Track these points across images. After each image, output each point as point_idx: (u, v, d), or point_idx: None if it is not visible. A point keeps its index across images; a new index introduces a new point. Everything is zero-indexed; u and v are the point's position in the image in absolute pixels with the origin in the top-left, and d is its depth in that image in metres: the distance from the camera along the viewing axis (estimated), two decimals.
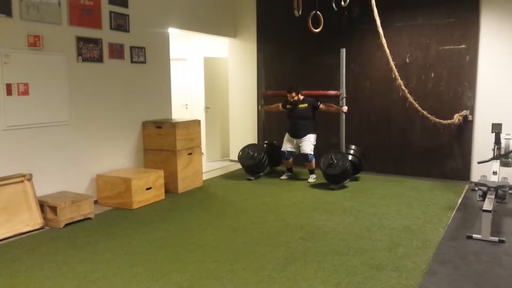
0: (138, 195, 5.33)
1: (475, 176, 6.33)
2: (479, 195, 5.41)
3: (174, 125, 5.92)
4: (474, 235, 4.13)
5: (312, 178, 6.62)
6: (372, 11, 5.49)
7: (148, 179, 5.50)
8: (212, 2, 7.54)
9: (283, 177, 6.82)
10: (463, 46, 6.33)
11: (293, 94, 6.43)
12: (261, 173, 7.03)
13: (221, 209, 5.27)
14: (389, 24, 6.57)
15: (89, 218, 4.85)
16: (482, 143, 6.28)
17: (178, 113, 8.41)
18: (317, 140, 6.61)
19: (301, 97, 6.51)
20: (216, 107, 8.63)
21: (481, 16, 6.22)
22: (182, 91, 8.94)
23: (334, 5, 5.42)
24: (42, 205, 4.65)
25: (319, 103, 6.50)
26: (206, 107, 8.54)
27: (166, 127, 5.99)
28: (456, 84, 6.45)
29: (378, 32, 5.63)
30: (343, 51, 6.30)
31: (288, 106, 6.63)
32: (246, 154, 6.87)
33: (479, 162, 5.47)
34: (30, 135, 4.73)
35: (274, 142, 7.27)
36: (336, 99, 6.49)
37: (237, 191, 6.14)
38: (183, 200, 5.66)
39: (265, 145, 7.24)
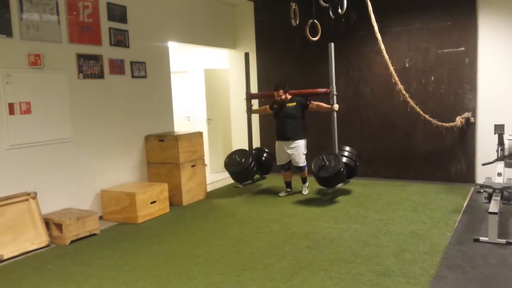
0: (142, 209, 5.33)
1: (480, 178, 6.30)
2: (484, 197, 5.39)
3: (176, 137, 5.94)
4: (481, 238, 4.10)
5: (305, 188, 6.32)
6: (369, 17, 5.53)
7: (152, 192, 5.50)
8: (210, 14, 7.60)
9: (282, 194, 6.31)
10: (462, 48, 6.34)
11: (281, 92, 5.97)
12: (250, 181, 6.75)
13: (226, 220, 5.27)
14: (387, 29, 6.60)
15: (95, 234, 4.86)
16: (485, 145, 6.25)
17: (181, 126, 8.43)
18: (309, 142, 6.21)
19: (289, 96, 6.07)
20: (218, 118, 8.65)
21: (479, 18, 6.24)
22: (184, 104, 8.97)
23: (331, 13, 5.45)
24: (48, 222, 4.66)
25: (308, 102, 6.06)
26: (208, 119, 8.57)
27: (168, 140, 6.00)
28: (456, 86, 6.45)
29: (376, 38, 5.67)
30: (331, 46, 5.86)
31: (275, 106, 6.20)
32: (232, 160, 6.48)
33: (483, 164, 5.45)
34: (34, 153, 4.75)
35: (264, 148, 7.02)
36: (326, 97, 6.03)
37: (242, 201, 6.14)
38: (188, 213, 5.65)
39: (253, 150, 6.86)
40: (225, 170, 6.65)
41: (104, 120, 5.54)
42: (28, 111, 4.68)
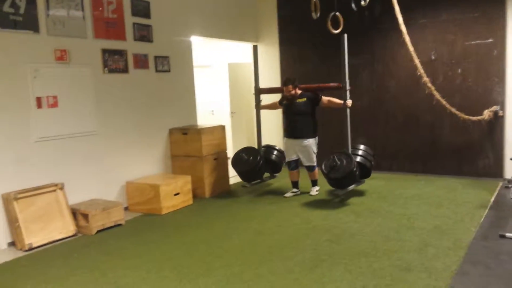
0: (166, 200, 5.42)
1: (509, 173, 6.14)
2: None
3: (199, 131, 6.00)
4: (507, 234, 4.01)
5: (315, 191, 5.92)
6: (393, 9, 5.44)
7: (176, 184, 5.59)
8: (233, 8, 7.61)
9: (288, 194, 5.93)
10: (490, 40, 6.17)
11: (290, 87, 5.63)
12: (258, 180, 6.45)
13: (248, 213, 5.30)
14: (412, 21, 6.47)
15: (120, 225, 4.97)
16: None
17: (205, 119, 8.51)
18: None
19: (299, 92, 5.73)
20: (241, 111, 8.68)
21: (508, 8, 6.05)
22: (208, 97, 9.04)
23: (353, 5, 5.39)
24: (75, 213, 4.80)
25: (320, 97, 5.70)
26: (231, 112, 8.61)
27: (192, 133, 6.07)
28: (484, 79, 6.29)
29: (400, 30, 5.57)
30: (345, 38, 5.53)
31: (284, 102, 5.89)
32: (239, 159, 6.16)
33: (511, 159, 5.31)
34: (61, 145, 4.89)
35: (275, 146, 6.75)
36: (339, 92, 5.72)
37: (264, 194, 6.16)
38: (210, 205, 5.71)
39: (263, 148, 6.59)
40: None
41: (128, 113, 5.65)
42: (55, 104, 4.81)
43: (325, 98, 5.71)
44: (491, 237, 4.06)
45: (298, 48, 7.77)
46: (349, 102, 5.62)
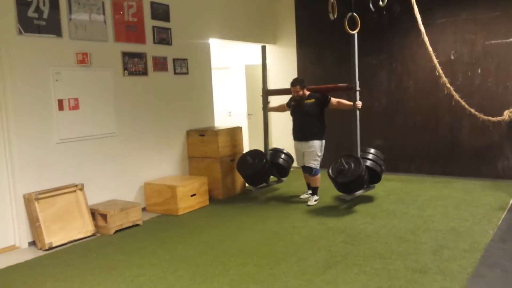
0: (183, 201, 5.49)
1: None
2: None
3: (216, 132, 6.06)
4: None
5: (313, 200, 5.58)
6: (412, 9, 5.40)
7: (192, 186, 5.66)
8: (251, 10, 7.66)
9: (303, 196, 5.84)
10: (511, 39, 6.07)
11: (298, 87, 5.49)
12: (264, 184, 6.27)
13: (263, 213, 5.33)
14: (431, 21, 6.42)
15: (138, 225, 5.06)
16: None
17: (222, 121, 8.57)
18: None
19: (307, 92, 5.60)
20: (258, 113, 8.69)
21: None
22: (225, 99, 9.10)
23: (371, 5, 5.37)
24: (94, 213, 4.91)
25: (329, 98, 5.53)
26: (248, 114, 8.65)
27: (209, 134, 6.14)
28: (505, 79, 6.19)
29: (419, 30, 5.53)
30: (355, 36, 5.38)
31: (292, 103, 5.74)
32: (244, 162, 5.98)
33: None
34: (81, 147, 5.01)
35: (282, 149, 6.57)
36: (348, 93, 5.59)
37: (280, 195, 6.18)
38: (226, 206, 5.77)
39: (270, 151, 6.41)
40: None
41: (147, 115, 5.75)
42: (76, 107, 4.94)
43: (334, 100, 5.55)
44: (509, 240, 4.00)
45: (316, 49, 7.77)
46: (359, 103, 5.41)
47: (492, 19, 6.19)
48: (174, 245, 4.38)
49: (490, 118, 6.08)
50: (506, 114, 6.03)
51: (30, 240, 4.60)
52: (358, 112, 5.45)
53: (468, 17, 6.35)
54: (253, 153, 6.13)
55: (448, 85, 5.89)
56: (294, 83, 5.58)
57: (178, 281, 3.52)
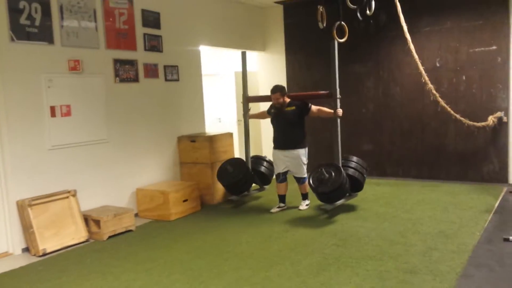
0: (175, 207, 5.53)
1: None
2: None
3: (207, 138, 6.12)
4: (511, 238, 4.07)
5: (304, 205, 5.62)
6: (398, 18, 5.55)
7: (184, 191, 5.69)
8: (240, 18, 7.76)
9: (274, 210, 5.62)
10: (494, 47, 6.27)
11: (278, 95, 5.41)
12: (246, 192, 6.16)
13: (256, 218, 5.39)
14: (416, 29, 6.58)
15: (131, 230, 5.08)
16: None
17: (212, 127, 8.62)
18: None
19: (288, 100, 5.52)
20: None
21: (511, 16, 6.14)
22: (215, 105, 9.16)
23: (359, 14, 5.50)
24: (87, 219, 4.92)
25: (310, 106, 5.46)
26: (238, 120, 8.72)
27: (200, 140, 6.19)
28: (489, 86, 6.37)
29: (405, 38, 5.67)
30: (335, 44, 5.32)
31: (272, 110, 5.66)
32: (224, 172, 5.89)
33: None
34: (73, 153, 5.02)
35: (265, 156, 6.53)
36: (329, 101, 5.46)
37: (271, 200, 6.23)
38: (218, 211, 5.81)
39: (251, 159, 6.27)
40: None
41: (138, 122, 5.78)
42: (68, 113, 4.95)
43: (314, 107, 5.48)
44: (495, 241, 4.13)
45: (304, 56, 7.89)
46: (340, 111, 5.32)
47: (475, 28, 6.38)
48: (167, 250, 4.41)
49: (475, 123, 6.25)
50: (490, 120, 6.21)
51: (23, 246, 4.59)
52: (338, 120, 5.35)
53: (453, 26, 6.54)
54: (233, 162, 6.02)
55: (434, 91, 6.04)
56: (274, 90, 5.48)
57: (174, 284, 3.56)
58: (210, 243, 4.54)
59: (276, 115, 5.59)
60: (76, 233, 4.79)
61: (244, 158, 6.24)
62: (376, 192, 6.26)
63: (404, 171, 7.14)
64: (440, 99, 6.12)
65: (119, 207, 5.26)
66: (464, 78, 6.54)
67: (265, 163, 6.42)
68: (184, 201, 5.67)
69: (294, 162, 5.48)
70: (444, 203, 5.52)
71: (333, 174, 5.11)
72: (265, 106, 6.26)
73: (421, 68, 5.87)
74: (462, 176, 6.65)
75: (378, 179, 7.09)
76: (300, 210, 5.59)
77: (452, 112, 6.21)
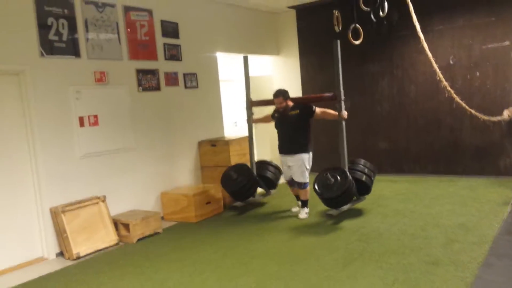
0: (199, 209, 5.71)
1: None
2: None
3: (227, 142, 6.30)
4: None
5: (304, 213, 5.39)
6: (411, 17, 5.66)
7: (207, 194, 5.88)
8: (255, 24, 7.95)
9: (295, 209, 5.67)
10: (507, 43, 6.34)
11: (280, 99, 5.32)
12: (251, 197, 6.07)
13: (278, 217, 5.55)
14: (429, 28, 6.69)
15: (158, 233, 5.27)
16: None
17: (229, 131, 8.81)
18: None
19: (291, 103, 5.40)
20: None
21: None
22: (231, 110, 9.34)
23: (372, 16, 5.63)
24: (116, 223, 5.13)
25: (314, 108, 5.30)
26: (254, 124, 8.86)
27: (220, 144, 6.38)
28: (503, 81, 6.45)
29: (418, 37, 5.78)
30: (337, 44, 5.21)
31: (276, 115, 5.57)
32: (228, 178, 5.79)
33: None
34: (102, 161, 5.24)
35: (271, 161, 6.46)
36: (334, 103, 5.28)
37: (291, 200, 6.36)
38: (240, 212, 5.98)
39: (256, 164, 6.19)
40: None
41: (161, 128, 5.99)
42: (95, 123, 5.18)
43: (319, 110, 5.31)
44: None
45: (318, 58, 8.03)
46: (345, 113, 5.17)
47: (487, 24, 6.47)
48: (196, 250, 4.59)
49: (490, 118, 6.32)
50: (506, 114, 6.27)
51: (57, 251, 4.82)
52: (344, 123, 5.22)
53: (465, 23, 6.63)
54: (238, 168, 5.91)
55: (449, 88, 6.13)
56: (276, 94, 5.37)
57: (205, 282, 3.73)
58: (235, 243, 4.70)
59: (280, 119, 5.49)
60: (106, 237, 5.00)
61: (254, 162, 6.19)
62: (394, 189, 6.36)
63: (421, 167, 7.23)
64: (455, 95, 6.20)
65: (146, 211, 5.46)
66: (478, 74, 6.62)
67: (270, 168, 6.32)
68: (207, 203, 5.85)
69: (296, 166, 5.32)
70: (462, 197, 5.61)
71: (338, 178, 4.97)
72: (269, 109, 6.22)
73: (435, 65, 5.97)
74: (479, 170, 6.73)
75: (395, 176, 7.19)
76: (299, 218, 5.38)
77: (467, 107, 6.29)
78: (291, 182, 5.57)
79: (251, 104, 6.16)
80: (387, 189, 6.33)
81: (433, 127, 7.07)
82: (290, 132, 5.36)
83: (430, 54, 5.85)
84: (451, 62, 6.79)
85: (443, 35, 6.80)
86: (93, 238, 4.91)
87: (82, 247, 4.76)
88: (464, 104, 6.28)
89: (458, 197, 5.66)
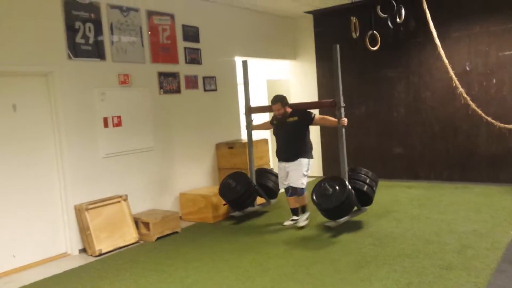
0: (216, 210, 5.85)
1: None
2: None
3: (244, 145, 6.43)
4: None
5: (302, 221, 5.26)
6: (428, 24, 5.74)
7: None
8: (272, 29, 8.07)
9: (287, 223, 5.41)
10: None
11: (278, 105, 5.19)
12: (250, 207, 5.92)
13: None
14: (446, 34, 6.74)
15: (176, 232, 5.42)
16: None
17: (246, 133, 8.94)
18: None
19: (289, 110, 5.27)
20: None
21: None
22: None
23: (389, 22, 5.72)
24: (137, 221, 5.29)
25: (313, 115, 5.21)
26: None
27: (237, 147, 6.51)
28: None
29: (435, 44, 5.85)
30: (337, 48, 5.10)
31: (275, 122, 5.46)
32: (226, 187, 5.68)
33: None
34: (124, 161, 5.42)
35: (271, 169, 6.37)
36: (333, 110, 5.15)
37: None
38: (256, 214, 6.09)
39: (256, 172, 6.03)
40: None
41: (181, 130, 6.15)
42: (119, 124, 5.35)
43: (318, 117, 5.26)
44: None
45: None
46: (344, 120, 5.01)
47: (504, 31, 6.50)
48: (213, 249, 4.72)
49: (506, 125, 6.34)
50: None
51: (80, 247, 5.00)
52: (343, 130, 5.06)
53: (482, 30, 6.67)
54: (236, 176, 5.77)
55: (465, 95, 6.18)
56: (274, 100, 5.26)
57: (223, 280, 3.86)
58: (251, 243, 4.83)
59: (278, 126, 5.38)
60: (127, 235, 5.17)
61: (254, 170, 6.02)
62: (409, 195, 6.42)
63: (436, 173, 7.27)
64: (471, 102, 6.24)
65: (165, 210, 5.62)
66: (494, 81, 6.65)
67: (271, 176, 6.15)
68: (224, 204, 5.97)
69: (295, 170, 5.19)
70: (477, 204, 5.66)
71: (337, 188, 4.79)
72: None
73: (452, 72, 6.03)
74: (494, 178, 6.75)
75: (410, 182, 7.25)
76: (298, 226, 5.24)
77: (483, 114, 6.33)
78: (288, 191, 5.40)
79: (250, 110, 6.01)
80: (402, 195, 6.39)
81: (449, 133, 7.12)
82: (288, 139, 5.25)
83: (446, 61, 5.91)
84: (468, 68, 6.83)
85: (460, 42, 6.85)
86: (114, 235, 5.07)
87: (104, 244, 4.93)
88: (480, 111, 6.32)
89: (473, 204, 5.71)
